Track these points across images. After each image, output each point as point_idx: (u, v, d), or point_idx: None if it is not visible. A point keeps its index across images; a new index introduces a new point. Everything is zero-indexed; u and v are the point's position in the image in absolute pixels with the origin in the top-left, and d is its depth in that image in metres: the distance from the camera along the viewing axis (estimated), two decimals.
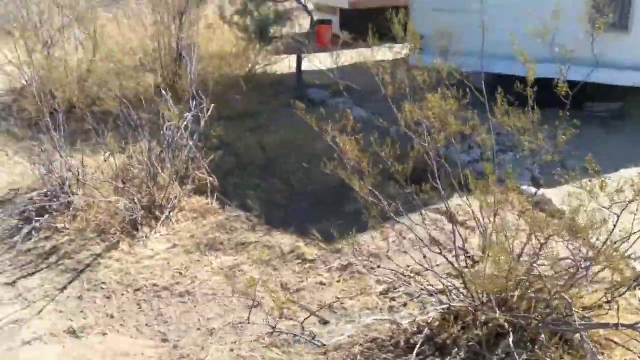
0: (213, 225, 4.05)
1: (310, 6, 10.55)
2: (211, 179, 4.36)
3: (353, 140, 2.83)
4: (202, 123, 4.48)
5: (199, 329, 3.14)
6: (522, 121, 2.59)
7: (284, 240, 3.86)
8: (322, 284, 3.43)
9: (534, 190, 3.20)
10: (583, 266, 2.57)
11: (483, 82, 3.03)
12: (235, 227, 4.03)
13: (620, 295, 2.60)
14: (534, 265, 2.59)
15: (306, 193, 4.59)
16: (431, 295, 3.07)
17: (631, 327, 2.37)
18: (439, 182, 2.89)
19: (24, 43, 6.14)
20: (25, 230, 3.97)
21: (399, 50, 6.11)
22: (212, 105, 4.62)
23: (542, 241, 2.46)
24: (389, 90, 2.95)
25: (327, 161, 4.76)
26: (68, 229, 3.98)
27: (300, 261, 3.63)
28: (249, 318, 2.85)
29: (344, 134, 2.92)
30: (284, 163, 5.01)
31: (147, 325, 3.19)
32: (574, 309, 2.56)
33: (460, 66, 3.31)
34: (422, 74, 2.93)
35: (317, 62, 5.80)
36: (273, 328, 2.66)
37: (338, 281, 3.44)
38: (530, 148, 2.75)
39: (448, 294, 3.03)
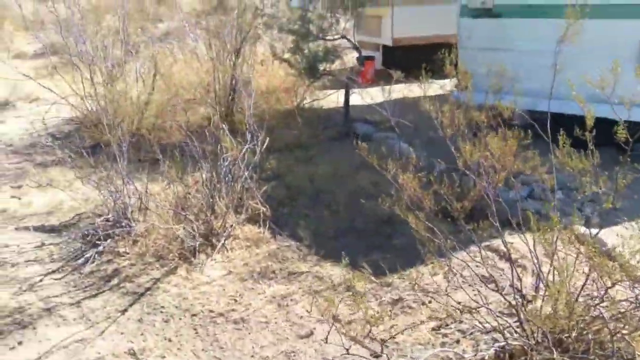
0: (265, 253, 4.17)
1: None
2: (264, 208, 4.51)
3: (414, 178, 2.93)
4: (257, 155, 4.65)
5: (252, 356, 3.22)
6: (583, 163, 2.62)
7: (334, 271, 3.94)
8: (374, 317, 3.46)
9: (593, 231, 3.18)
10: None
11: (548, 122, 3.09)
12: (286, 257, 4.14)
13: None
14: (598, 307, 2.56)
15: (353, 224, 4.67)
16: (486, 332, 3.07)
17: None
18: (496, 220, 2.93)
19: (89, 76, 6.61)
20: (88, 254, 4.19)
21: (445, 87, 6.22)
22: (267, 138, 4.81)
23: (609, 285, 2.45)
24: (448, 132, 3.04)
25: (372, 193, 4.87)
26: (129, 253, 4.19)
27: (350, 293, 3.68)
28: (327, 337, 2.91)
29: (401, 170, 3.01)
30: (331, 194, 5.12)
31: (203, 350, 3.29)
32: (637, 352, 2.52)
33: (513, 105, 3.40)
34: (480, 114, 3.02)
35: (369, 97, 5.97)
36: (347, 350, 2.73)
37: (389, 316, 3.47)
38: (591, 190, 2.76)
39: (502, 332, 3.02)
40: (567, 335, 2.79)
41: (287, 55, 7.19)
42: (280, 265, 4.03)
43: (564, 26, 3.22)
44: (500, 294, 2.99)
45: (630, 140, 2.70)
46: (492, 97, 4.85)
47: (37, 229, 4.76)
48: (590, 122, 2.77)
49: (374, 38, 10.33)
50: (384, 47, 10.28)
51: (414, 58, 7.46)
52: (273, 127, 6.10)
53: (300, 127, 6.49)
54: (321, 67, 6.96)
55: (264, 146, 4.77)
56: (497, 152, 2.81)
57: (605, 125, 2.83)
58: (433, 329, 3.29)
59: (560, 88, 3.62)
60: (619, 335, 2.63)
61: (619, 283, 2.58)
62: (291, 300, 3.66)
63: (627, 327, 2.63)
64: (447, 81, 5.99)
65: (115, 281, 3.94)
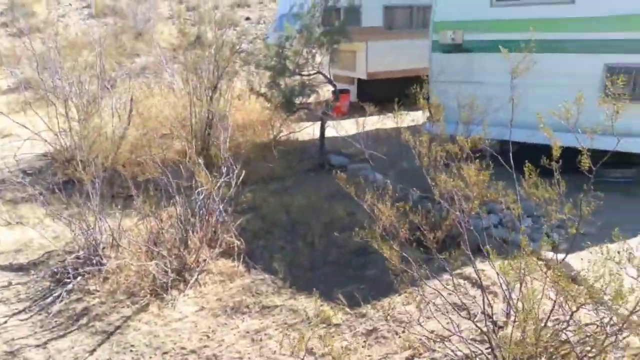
0: (239, 288, 4.12)
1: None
2: (238, 242, 4.48)
3: (389, 208, 2.98)
4: (232, 188, 4.65)
5: None
6: (549, 192, 2.70)
7: (309, 304, 3.90)
8: (347, 348, 3.43)
9: (560, 256, 3.25)
10: (609, 332, 2.59)
11: (510, 152, 3.19)
12: (260, 290, 4.09)
13: None
14: (564, 331, 2.60)
15: (329, 256, 4.67)
16: None
17: None
18: (468, 248, 2.98)
19: (64, 111, 6.58)
20: (57, 292, 4.08)
21: (417, 120, 6.37)
22: (243, 171, 4.82)
23: (574, 309, 2.49)
24: (425, 162, 3.12)
25: (348, 224, 4.89)
26: (99, 290, 4.09)
27: (325, 325, 3.65)
28: None
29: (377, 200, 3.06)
30: (306, 225, 5.12)
31: None
32: None
33: (482, 135, 3.52)
34: (452, 145, 3.12)
35: (343, 130, 6.08)
36: None
37: (363, 346, 3.44)
38: (557, 217, 2.83)
39: (474, 359, 3.03)
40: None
41: (263, 90, 7.30)
42: (254, 299, 3.98)
43: (529, 60, 3.38)
44: (472, 321, 3.00)
45: (593, 168, 2.80)
46: (462, 129, 5.01)
47: (4, 267, 4.63)
48: (557, 152, 2.86)
49: (349, 72, 10.57)
50: (359, 80, 10.53)
51: (389, 91, 7.65)
52: (249, 160, 6.14)
53: (276, 159, 6.53)
54: (297, 101, 7.07)
55: (240, 179, 4.78)
56: (473, 181, 2.88)
57: (570, 153, 2.92)
58: (407, 359, 3.27)
59: (527, 119, 3.74)
60: (585, 358, 2.66)
61: (584, 307, 2.62)
62: (265, 334, 3.60)
63: (593, 350, 2.65)
64: (419, 113, 6.14)
65: (84, 320, 3.84)
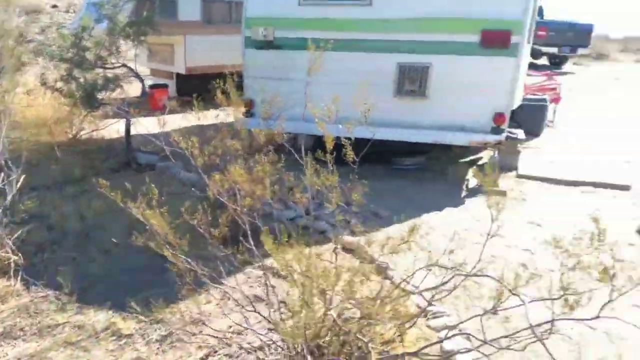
0: (14, 309, 3.60)
1: (147, 71, 10.52)
2: (16, 257, 3.92)
3: (159, 214, 2.84)
4: (9, 196, 4.06)
5: None
6: (329, 180, 2.83)
7: (99, 317, 3.59)
8: (139, 359, 3.23)
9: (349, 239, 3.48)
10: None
11: (309, 145, 3.29)
12: (41, 309, 3.63)
13: (410, 327, 2.92)
14: (329, 312, 2.77)
15: (127, 262, 4.36)
16: (249, 352, 3.09)
17: (414, 354, 2.67)
18: (252, 242, 2.99)
19: None
20: None
21: (229, 114, 6.34)
22: (23, 176, 4.24)
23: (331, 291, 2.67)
24: (199, 162, 3.06)
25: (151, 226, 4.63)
26: None
27: (115, 337, 3.39)
28: None
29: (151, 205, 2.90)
30: (104, 231, 4.72)
31: None
32: (371, 345, 2.78)
33: (284, 129, 3.61)
34: (241, 140, 3.11)
35: (144, 128, 5.74)
36: None
37: (157, 353, 3.27)
38: (337, 202, 2.99)
39: (267, 349, 3.08)
40: (323, 340, 2.96)
41: (59, 84, 6.55)
42: (32, 320, 3.51)
43: (329, 58, 3.54)
44: (258, 313, 3.04)
45: (356, 160, 3.02)
46: (263, 124, 5.09)
47: None
48: (330, 145, 3.02)
49: (168, 66, 10.12)
50: (178, 75, 10.15)
51: (208, 86, 7.50)
52: (38, 162, 5.43)
53: (75, 159, 5.91)
54: (100, 96, 6.49)
55: (19, 184, 4.19)
56: (240, 180, 2.90)
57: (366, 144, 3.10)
58: (201, 359, 3.19)
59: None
60: (359, 333, 2.87)
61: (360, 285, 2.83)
62: (42, 357, 3.20)
63: (368, 324, 2.88)
64: (229, 109, 6.10)
65: None
